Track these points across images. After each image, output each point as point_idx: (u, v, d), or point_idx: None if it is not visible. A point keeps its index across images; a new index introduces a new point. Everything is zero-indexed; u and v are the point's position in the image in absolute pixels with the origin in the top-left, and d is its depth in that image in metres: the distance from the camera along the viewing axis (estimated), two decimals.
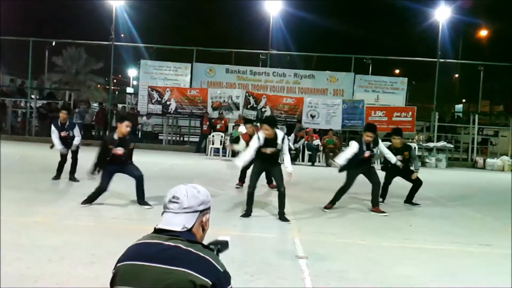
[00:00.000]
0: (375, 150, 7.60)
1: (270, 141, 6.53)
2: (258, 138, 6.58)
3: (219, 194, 8.45)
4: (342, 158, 7.43)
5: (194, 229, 1.89)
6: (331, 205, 7.57)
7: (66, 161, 8.97)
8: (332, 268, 4.54)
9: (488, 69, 21.89)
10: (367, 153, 7.44)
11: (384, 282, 4.22)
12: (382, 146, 7.84)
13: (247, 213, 6.65)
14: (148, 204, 6.88)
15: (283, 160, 6.68)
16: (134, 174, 6.91)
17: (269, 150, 6.53)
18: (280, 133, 6.63)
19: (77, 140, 8.95)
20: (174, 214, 1.87)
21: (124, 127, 6.72)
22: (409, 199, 8.49)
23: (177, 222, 1.85)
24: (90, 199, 6.82)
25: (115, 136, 6.79)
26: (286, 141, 6.68)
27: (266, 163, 6.69)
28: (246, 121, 10.27)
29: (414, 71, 25.14)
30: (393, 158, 7.88)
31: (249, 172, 7.25)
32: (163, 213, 1.92)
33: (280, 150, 6.59)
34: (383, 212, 7.45)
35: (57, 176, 8.99)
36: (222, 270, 1.79)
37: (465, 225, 7.15)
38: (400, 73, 27.64)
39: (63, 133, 8.81)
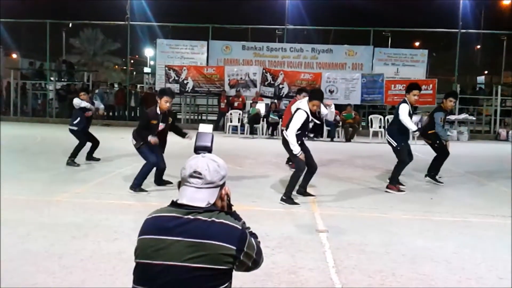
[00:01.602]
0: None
1: (314, 114, 6.24)
2: (307, 115, 6.14)
3: (238, 171, 8.48)
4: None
5: (215, 203, 1.89)
6: (393, 186, 7.10)
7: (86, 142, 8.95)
8: (353, 241, 4.54)
9: (511, 38, 21.27)
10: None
11: (405, 255, 4.20)
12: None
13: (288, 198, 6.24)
14: (169, 182, 6.90)
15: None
16: (160, 165, 6.76)
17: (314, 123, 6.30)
18: (322, 107, 6.37)
19: (101, 108, 9.46)
20: (197, 189, 1.84)
21: (163, 103, 6.53)
22: (432, 172, 8.03)
23: (201, 197, 1.83)
24: (140, 181, 6.59)
25: (158, 111, 6.60)
26: (322, 107, 6.38)
27: (304, 142, 6.40)
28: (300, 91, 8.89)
29: (435, 43, 24.63)
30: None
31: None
32: (181, 185, 1.90)
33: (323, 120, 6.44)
34: (401, 191, 7.10)
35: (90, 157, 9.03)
36: (240, 228, 1.82)
37: (487, 197, 7.04)
38: (420, 45, 27.07)
39: (87, 113, 8.80)
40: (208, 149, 2.00)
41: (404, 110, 6.96)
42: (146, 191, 6.53)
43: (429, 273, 3.79)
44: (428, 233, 5.00)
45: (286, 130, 6.29)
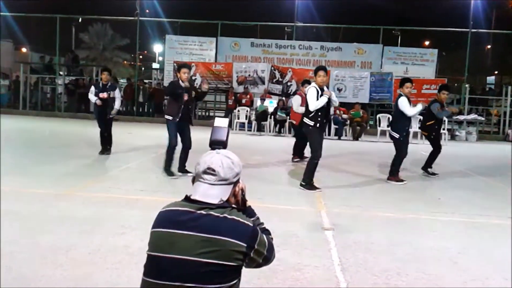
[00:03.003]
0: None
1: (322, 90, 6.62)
2: (317, 90, 6.56)
3: (244, 167, 8.46)
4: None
5: (228, 199, 1.90)
6: (393, 177, 7.61)
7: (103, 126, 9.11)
8: (359, 239, 4.54)
9: None
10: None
11: (411, 254, 4.20)
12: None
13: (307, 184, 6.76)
14: (189, 172, 7.13)
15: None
16: (186, 143, 7.29)
17: (325, 98, 6.52)
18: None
19: (117, 104, 9.19)
20: (210, 186, 1.85)
21: (182, 74, 7.11)
22: (426, 166, 8.50)
23: (214, 194, 1.84)
24: (168, 164, 7.25)
25: (181, 83, 7.16)
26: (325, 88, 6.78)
27: (323, 128, 6.79)
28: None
29: (445, 42, 24.47)
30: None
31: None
32: (195, 181, 1.90)
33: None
34: (401, 180, 7.58)
35: (104, 149, 9.14)
36: (251, 225, 1.83)
37: (495, 198, 7.01)
38: (430, 45, 26.90)
39: (102, 94, 8.89)
40: (224, 144, 2.01)
41: (403, 102, 7.56)
42: (174, 175, 7.15)
43: (435, 273, 3.78)
44: (434, 233, 4.99)
45: (303, 117, 6.84)
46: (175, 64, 18.37)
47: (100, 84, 9.06)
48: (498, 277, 3.79)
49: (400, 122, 7.66)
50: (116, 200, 5.72)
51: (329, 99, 6.60)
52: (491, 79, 31.35)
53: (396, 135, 7.61)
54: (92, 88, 9.10)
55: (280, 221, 5.05)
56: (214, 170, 1.85)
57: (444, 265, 3.99)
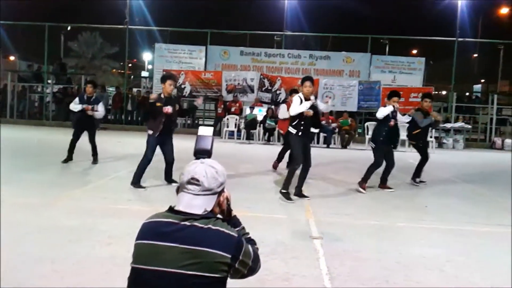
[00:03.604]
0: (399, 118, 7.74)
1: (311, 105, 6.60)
2: (301, 99, 6.58)
3: (233, 176, 8.47)
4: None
5: (213, 209, 1.87)
6: (364, 183, 7.57)
7: (78, 139, 8.93)
8: (347, 248, 4.54)
9: (508, 48, 21.35)
10: (392, 121, 7.52)
11: (399, 262, 4.20)
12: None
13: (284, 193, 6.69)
14: (176, 182, 7.03)
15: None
16: (167, 158, 7.13)
17: (310, 112, 6.53)
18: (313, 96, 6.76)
19: (98, 114, 8.99)
20: (194, 196, 1.82)
21: (167, 86, 6.94)
22: (415, 176, 8.55)
23: (198, 204, 1.81)
24: (137, 176, 7.00)
25: (162, 95, 7.02)
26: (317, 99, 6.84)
27: (307, 137, 6.70)
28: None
29: (432, 51, 24.65)
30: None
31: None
32: (179, 191, 1.88)
33: (316, 106, 6.67)
34: (389, 188, 7.65)
35: (69, 158, 8.95)
36: (236, 236, 1.81)
37: (482, 205, 7.06)
38: (418, 53, 27.12)
39: (86, 107, 8.78)
40: (208, 153, 2.00)
41: (380, 110, 7.69)
42: (143, 187, 6.90)
43: (423, 281, 3.79)
44: (422, 241, 5.00)
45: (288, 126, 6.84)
46: (164, 72, 18.38)
47: (85, 97, 8.98)
48: (485, 284, 3.81)
49: (376, 130, 7.80)
50: (104, 210, 5.66)
51: (316, 108, 6.62)
52: (477, 87, 31.69)
53: (372, 144, 7.79)
54: (77, 100, 9.01)
55: (269, 230, 5.03)
56: (198, 180, 1.83)
57: (432, 273, 4.00)
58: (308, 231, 5.13)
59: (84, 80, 21.67)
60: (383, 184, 7.76)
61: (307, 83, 6.60)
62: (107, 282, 3.44)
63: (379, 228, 5.47)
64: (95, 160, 9.10)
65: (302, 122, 6.58)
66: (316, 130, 7.32)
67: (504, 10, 26.08)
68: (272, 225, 5.31)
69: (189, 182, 1.84)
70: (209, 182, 1.84)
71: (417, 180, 8.46)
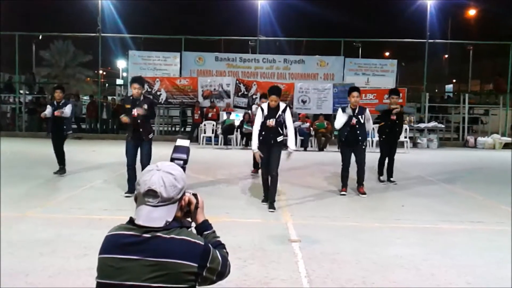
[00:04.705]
0: (361, 118, 7.47)
1: (273, 111, 6.48)
2: (262, 110, 6.51)
3: (212, 182, 8.45)
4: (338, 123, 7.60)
5: (176, 215, 1.80)
6: (344, 188, 7.61)
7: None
8: (325, 250, 4.57)
9: (477, 48, 21.90)
10: (353, 120, 7.40)
11: (377, 263, 4.24)
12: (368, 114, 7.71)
13: (265, 199, 6.68)
14: None
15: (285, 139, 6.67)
16: (141, 160, 6.99)
17: (272, 122, 6.41)
18: (282, 104, 6.59)
19: (65, 113, 8.71)
20: (153, 208, 1.73)
21: (132, 89, 7.01)
22: (389, 176, 8.70)
23: (158, 217, 1.72)
24: (128, 183, 7.04)
25: (130, 97, 7.08)
26: (288, 111, 6.60)
27: (268, 144, 6.46)
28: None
29: (404, 53, 25.13)
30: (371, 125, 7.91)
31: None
32: (137, 202, 1.79)
33: (283, 122, 6.52)
34: (363, 193, 7.47)
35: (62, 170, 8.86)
36: (202, 243, 1.75)
37: (457, 203, 7.18)
38: (390, 55, 27.61)
39: (57, 112, 8.61)
40: (184, 160, 1.98)
41: (338, 113, 7.70)
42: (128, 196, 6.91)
43: (400, 281, 3.84)
44: (398, 240, 5.07)
45: None
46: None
47: (54, 102, 8.83)
48: (461, 282, 3.87)
49: (339, 132, 7.85)
50: (78, 221, 5.58)
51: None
52: (449, 87, 32.31)
53: (338, 149, 7.92)
54: (48, 107, 8.87)
55: (247, 235, 5.04)
56: (155, 192, 1.73)
57: (408, 272, 4.05)
58: (286, 234, 5.15)
59: None
60: (359, 186, 7.63)
61: (273, 97, 6.43)
62: None
63: (356, 229, 5.52)
64: (62, 170, 8.82)
65: (263, 132, 6.49)
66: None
67: (471, 12, 26.71)
68: (250, 230, 5.31)
69: (146, 194, 1.74)
70: (167, 191, 1.74)
71: (381, 178, 8.69)
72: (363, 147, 7.56)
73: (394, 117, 8.36)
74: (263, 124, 6.48)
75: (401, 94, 9.07)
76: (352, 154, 7.50)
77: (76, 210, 6.14)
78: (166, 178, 1.76)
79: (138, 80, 7.27)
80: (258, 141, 6.52)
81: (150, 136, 7.15)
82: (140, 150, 7.08)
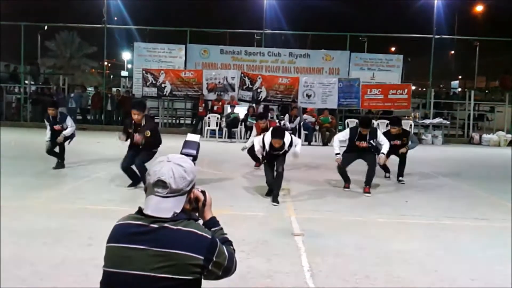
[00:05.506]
0: (373, 142, 7.28)
1: (278, 148, 6.46)
2: (264, 145, 6.50)
3: (216, 175, 8.46)
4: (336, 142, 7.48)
5: (184, 208, 1.81)
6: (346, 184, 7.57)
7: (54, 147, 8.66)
8: (328, 244, 4.57)
9: (484, 44, 21.72)
10: (363, 143, 7.25)
11: (380, 257, 4.24)
12: (380, 136, 7.49)
13: (269, 192, 6.70)
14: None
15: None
16: (135, 162, 6.86)
17: (278, 153, 6.54)
18: (287, 138, 6.48)
19: (67, 132, 8.50)
20: (162, 199, 1.75)
21: (132, 115, 6.78)
22: (398, 175, 8.54)
23: (167, 207, 1.74)
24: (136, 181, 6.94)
25: (132, 121, 6.87)
26: (294, 140, 6.72)
27: (274, 160, 6.65)
28: (260, 117, 9.27)
29: (410, 48, 24.95)
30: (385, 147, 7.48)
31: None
32: (147, 192, 1.81)
33: (288, 151, 6.63)
34: (368, 192, 7.26)
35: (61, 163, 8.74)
36: (209, 237, 1.76)
37: (461, 200, 7.17)
38: (396, 51, 27.43)
39: (56, 127, 8.52)
40: (194, 156, 1.98)
41: (339, 133, 7.91)
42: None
43: (403, 276, 3.83)
44: (402, 235, 5.06)
45: None
46: (143, 72, 18.25)
47: (51, 118, 8.62)
48: (465, 277, 3.87)
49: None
50: (82, 211, 5.60)
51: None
52: (455, 83, 32.17)
53: None
54: (46, 123, 8.69)
55: (251, 228, 5.04)
56: (164, 182, 1.75)
57: (412, 268, 4.04)
58: (290, 228, 5.15)
59: (62, 80, 21.41)
60: (366, 185, 7.38)
61: (277, 141, 6.34)
62: (87, 284, 3.40)
63: (360, 224, 5.52)
64: (60, 164, 8.62)
65: (267, 156, 6.63)
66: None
67: (479, 8, 26.49)
68: (254, 223, 5.32)
69: (155, 184, 1.76)
70: (177, 183, 1.76)
71: (387, 174, 8.67)
72: (372, 150, 7.37)
73: (397, 142, 8.24)
74: (264, 148, 6.60)
75: (402, 125, 8.73)
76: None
77: (81, 200, 6.16)
78: (176, 169, 1.77)
79: (137, 105, 6.95)
80: (265, 160, 6.76)
81: (154, 150, 6.96)
82: (138, 154, 6.90)
